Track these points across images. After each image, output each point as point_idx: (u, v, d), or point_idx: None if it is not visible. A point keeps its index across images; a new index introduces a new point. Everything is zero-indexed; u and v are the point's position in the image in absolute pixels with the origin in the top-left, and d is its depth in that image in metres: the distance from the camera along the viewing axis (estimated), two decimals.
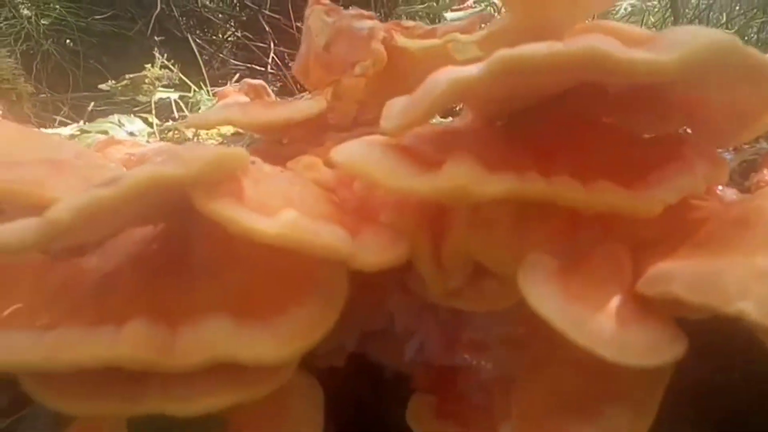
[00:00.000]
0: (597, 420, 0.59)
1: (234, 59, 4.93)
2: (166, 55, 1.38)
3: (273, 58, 4.82)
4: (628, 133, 0.66)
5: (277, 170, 0.66)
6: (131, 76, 1.29)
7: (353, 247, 0.55)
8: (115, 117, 1.14)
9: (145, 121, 1.19)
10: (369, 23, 0.79)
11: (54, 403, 0.54)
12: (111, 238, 0.69)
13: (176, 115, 1.31)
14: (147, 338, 0.52)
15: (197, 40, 4.85)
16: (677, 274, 0.52)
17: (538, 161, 0.57)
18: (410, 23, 0.89)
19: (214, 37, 4.58)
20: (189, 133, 1.17)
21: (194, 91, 1.34)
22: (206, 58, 4.86)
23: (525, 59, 0.47)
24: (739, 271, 0.48)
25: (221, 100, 0.99)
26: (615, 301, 0.55)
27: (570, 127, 0.64)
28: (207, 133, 1.19)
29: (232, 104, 0.77)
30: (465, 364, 0.79)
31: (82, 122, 1.28)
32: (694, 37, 0.46)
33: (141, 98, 1.27)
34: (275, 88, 4.60)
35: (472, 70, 0.50)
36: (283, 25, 4.84)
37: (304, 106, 0.74)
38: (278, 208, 0.56)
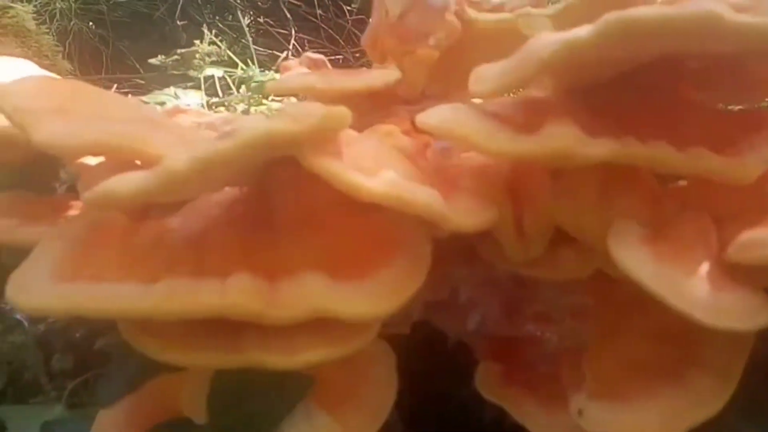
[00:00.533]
0: (679, 383, 0.60)
1: (254, 45, 4.92)
2: (213, 34, 1.38)
3: (294, 44, 4.82)
4: (708, 104, 0.67)
5: (362, 136, 0.67)
6: (182, 51, 1.30)
7: (448, 209, 0.56)
8: (171, 89, 1.15)
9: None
10: None
11: (157, 353, 0.55)
12: (188, 202, 0.70)
13: (219, 90, 1.32)
14: (252, 289, 0.54)
15: (219, 24, 4.85)
16: None
17: (629, 128, 0.58)
18: None
19: (236, 23, 4.58)
20: (240, 107, 1.19)
21: (241, 67, 1.35)
22: (227, 44, 4.86)
23: (640, 21, 0.47)
24: None
25: (284, 72, 1.00)
26: (705, 267, 0.56)
27: (653, 97, 0.65)
28: (256, 110, 1.20)
29: (309, 72, 0.78)
30: (529, 335, 0.80)
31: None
32: None
33: (191, 73, 1.28)
34: None
35: (581, 32, 0.51)
36: (304, 12, 4.83)
37: (382, 74, 0.75)
38: (374, 169, 0.57)
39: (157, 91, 1.15)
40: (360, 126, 0.81)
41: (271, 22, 4.81)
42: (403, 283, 0.59)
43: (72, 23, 3.41)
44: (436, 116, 0.60)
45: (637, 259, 0.56)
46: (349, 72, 0.78)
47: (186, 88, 1.33)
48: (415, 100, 0.86)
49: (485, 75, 0.60)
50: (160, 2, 4.47)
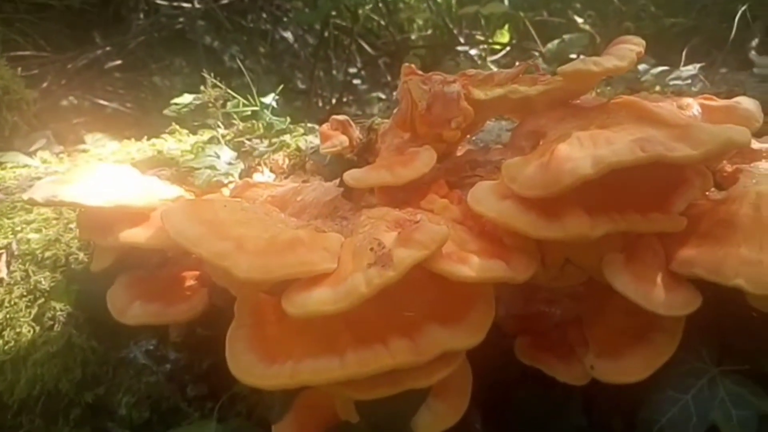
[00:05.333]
0: (648, 341, 1.00)
1: None
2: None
3: None
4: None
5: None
6: (194, 102, 1.45)
7: (514, 273, 0.90)
8: (212, 149, 1.35)
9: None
10: (456, 87, 1.08)
11: (350, 395, 0.88)
12: None
13: (239, 124, 1.51)
14: (407, 349, 0.86)
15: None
16: (698, 261, 0.92)
17: (613, 204, 0.93)
18: (472, 71, 1.18)
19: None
20: (278, 156, 1.43)
21: (243, 103, 1.53)
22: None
23: (621, 161, 0.81)
24: (732, 260, 0.89)
25: (325, 140, 1.25)
26: (660, 278, 0.94)
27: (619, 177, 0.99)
28: (275, 153, 1.44)
29: (380, 167, 1.05)
30: (540, 312, 1.18)
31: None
32: (711, 135, 0.82)
33: (209, 121, 1.46)
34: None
35: (586, 168, 0.83)
36: None
37: (426, 161, 1.04)
38: (464, 255, 0.89)
39: (201, 156, 1.33)
40: (404, 191, 1.11)
41: None
42: (485, 320, 0.93)
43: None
44: (489, 206, 0.92)
45: (622, 281, 0.93)
46: (406, 159, 1.05)
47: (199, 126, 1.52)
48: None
49: (518, 176, 0.92)
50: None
